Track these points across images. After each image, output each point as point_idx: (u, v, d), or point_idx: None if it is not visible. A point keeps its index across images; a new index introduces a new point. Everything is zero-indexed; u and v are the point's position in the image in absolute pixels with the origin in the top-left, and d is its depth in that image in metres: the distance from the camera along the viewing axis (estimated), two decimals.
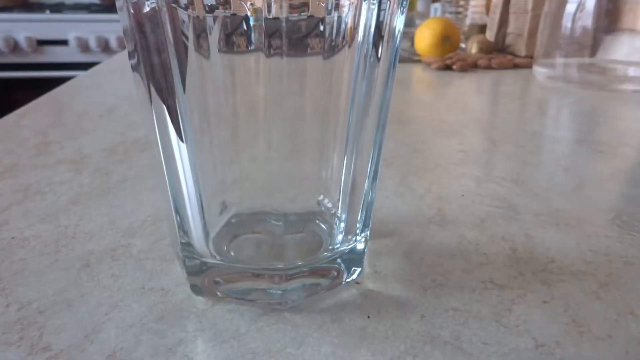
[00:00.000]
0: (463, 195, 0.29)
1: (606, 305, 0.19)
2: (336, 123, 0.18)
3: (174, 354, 0.17)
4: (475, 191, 0.30)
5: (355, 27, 0.16)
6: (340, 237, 0.20)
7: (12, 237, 0.24)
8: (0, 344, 0.17)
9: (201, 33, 0.15)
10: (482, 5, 0.91)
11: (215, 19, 0.14)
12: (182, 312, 0.19)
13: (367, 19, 0.16)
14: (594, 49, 0.63)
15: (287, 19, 0.14)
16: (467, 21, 0.92)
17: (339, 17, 0.15)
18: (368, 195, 0.20)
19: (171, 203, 0.18)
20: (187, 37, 0.15)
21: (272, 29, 0.14)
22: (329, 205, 0.20)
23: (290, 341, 0.17)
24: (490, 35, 0.84)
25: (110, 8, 1.96)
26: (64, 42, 1.76)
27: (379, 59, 0.17)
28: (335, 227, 0.20)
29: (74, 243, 0.24)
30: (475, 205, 0.28)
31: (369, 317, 0.18)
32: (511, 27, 0.80)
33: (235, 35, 0.15)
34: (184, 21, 0.15)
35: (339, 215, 0.20)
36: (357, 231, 0.20)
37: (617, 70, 0.62)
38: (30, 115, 0.45)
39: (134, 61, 0.16)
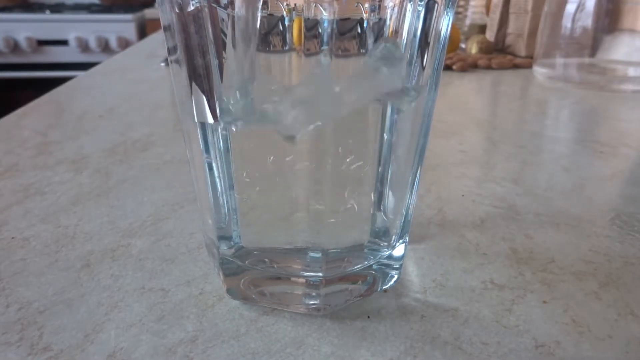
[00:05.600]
0: (463, 195, 0.29)
1: (606, 305, 0.19)
2: (376, 125, 0.17)
3: (174, 354, 0.17)
4: (475, 191, 0.30)
5: (397, 31, 0.15)
6: (379, 242, 0.19)
7: (12, 237, 0.24)
8: (0, 344, 0.17)
9: None
10: (482, 5, 0.91)
11: None
12: (182, 312, 0.19)
13: (411, 22, 0.15)
14: (594, 49, 0.63)
15: (326, 19, 0.14)
16: (467, 21, 0.92)
17: (381, 20, 0.15)
18: (408, 200, 0.19)
19: (210, 199, 0.18)
20: (225, 35, 0.15)
21: (311, 29, 0.14)
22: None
23: (290, 341, 0.17)
24: (490, 35, 0.84)
25: (110, 8, 1.96)
26: (64, 42, 1.76)
27: (423, 64, 0.16)
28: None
29: (74, 243, 0.24)
30: (475, 205, 0.28)
31: (369, 317, 0.18)
32: (511, 27, 0.80)
33: (272, 35, 0.15)
34: (223, 19, 0.15)
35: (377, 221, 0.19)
36: (395, 237, 0.20)
37: (617, 70, 0.62)
38: (30, 115, 0.45)
39: (175, 56, 0.17)
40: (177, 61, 0.17)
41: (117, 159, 0.34)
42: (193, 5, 0.15)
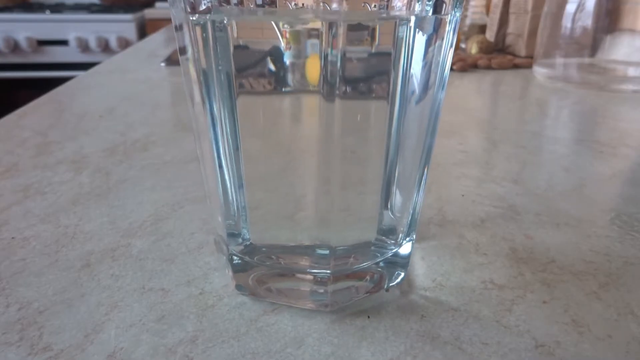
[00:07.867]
0: (463, 195, 0.29)
1: (606, 305, 0.19)
2: (383, 124, 0.17)
3: (174, 354, 0.17)
4: (475, 191, 0.30)
5: None
6: (387, 240, 0.19)
7: (12, 237, 0.24)
8: (0, 344, 0.17)
9: None
10: (482, 5, 0.91)
11: None
12: (182, 312, 0.19)
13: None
14: (594, 49, 0.63)
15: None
16: (467, 21, 0.92)
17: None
18: (415, 199, 0.19)
19: (220, 197, 0.18)
20: None
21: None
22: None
23: (290, 341, 0.17)
24: (490, 35, 0.84)
25: (110, 8, 1.96)
26: (64, 42, 1.76)
27: (430, 63, 0.17)
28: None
29: (74, 243, 0.24)
30: (475, 205, 0.28)
31: (369, 317, 0.18)
32: (511, 27, 0.80)
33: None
34: None
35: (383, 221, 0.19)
36: (402, 235, 0.20)
37: (617, 70, 0.62)
38: (30, 115, 0.45)
39: (186, 56, 0.17)
40: (188, 60, 0.17)
41: (117, 159, 0.34)
42: (204, 5, 0.15)
